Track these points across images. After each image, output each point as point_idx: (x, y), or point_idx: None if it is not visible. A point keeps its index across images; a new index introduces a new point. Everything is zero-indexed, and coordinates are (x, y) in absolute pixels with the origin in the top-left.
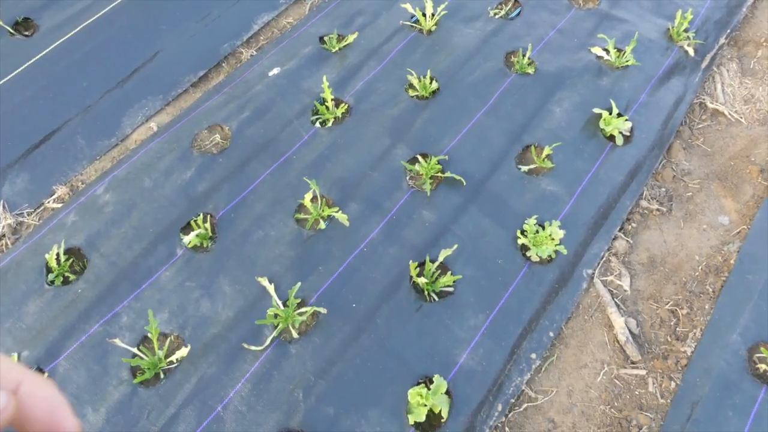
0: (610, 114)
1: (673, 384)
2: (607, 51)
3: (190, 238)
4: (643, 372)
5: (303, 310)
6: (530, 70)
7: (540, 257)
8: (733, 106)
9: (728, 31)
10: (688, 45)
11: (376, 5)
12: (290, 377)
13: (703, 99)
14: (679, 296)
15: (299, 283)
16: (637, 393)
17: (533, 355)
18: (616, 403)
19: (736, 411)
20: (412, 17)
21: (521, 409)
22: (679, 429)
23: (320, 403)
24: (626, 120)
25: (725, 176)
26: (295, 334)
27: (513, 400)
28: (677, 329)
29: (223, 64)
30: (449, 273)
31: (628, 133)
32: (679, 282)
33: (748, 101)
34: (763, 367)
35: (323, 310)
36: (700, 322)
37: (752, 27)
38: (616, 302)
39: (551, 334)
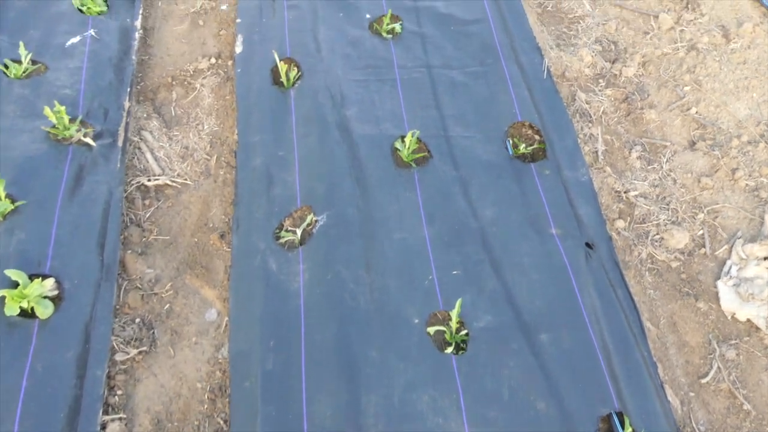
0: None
1: None
2: None
3: None
4: None
5: None
6: None
7: None
8: (173, 171)
9: (128, 89)
10: (84, 136)
11: None
12: None
13: (140, 181)
14: None
15: None
16: None
17: None
18: None
19: None
20: None
21: None
22: None
23: None
24: (42, 280)
25: (194, 261)
26: None
27: None
28: None
29: None
30: None
31: (56, 291)
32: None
33: (185, 156)
34: None
35: None
36: None
37: (154, 69)
38: None
39: None
